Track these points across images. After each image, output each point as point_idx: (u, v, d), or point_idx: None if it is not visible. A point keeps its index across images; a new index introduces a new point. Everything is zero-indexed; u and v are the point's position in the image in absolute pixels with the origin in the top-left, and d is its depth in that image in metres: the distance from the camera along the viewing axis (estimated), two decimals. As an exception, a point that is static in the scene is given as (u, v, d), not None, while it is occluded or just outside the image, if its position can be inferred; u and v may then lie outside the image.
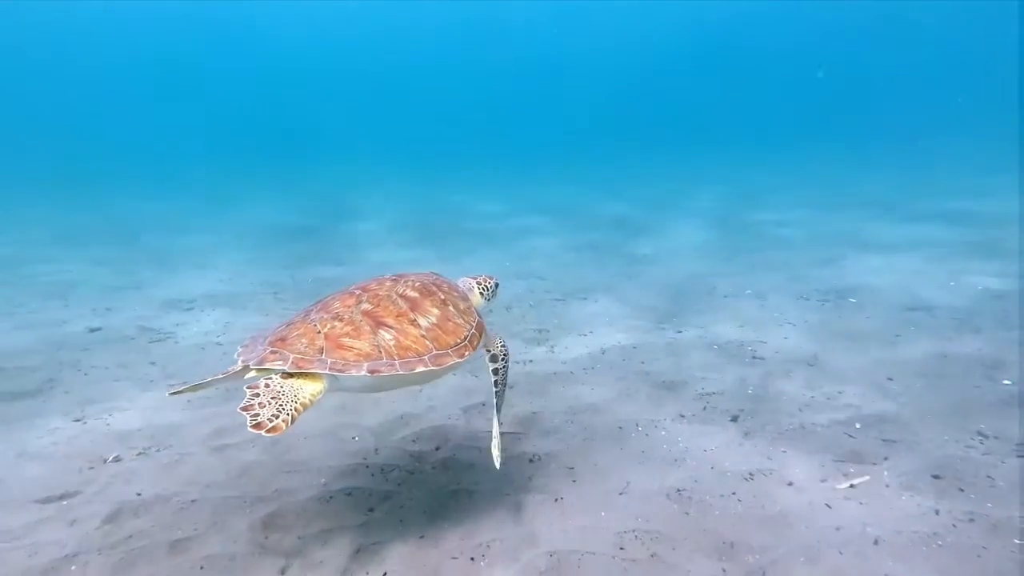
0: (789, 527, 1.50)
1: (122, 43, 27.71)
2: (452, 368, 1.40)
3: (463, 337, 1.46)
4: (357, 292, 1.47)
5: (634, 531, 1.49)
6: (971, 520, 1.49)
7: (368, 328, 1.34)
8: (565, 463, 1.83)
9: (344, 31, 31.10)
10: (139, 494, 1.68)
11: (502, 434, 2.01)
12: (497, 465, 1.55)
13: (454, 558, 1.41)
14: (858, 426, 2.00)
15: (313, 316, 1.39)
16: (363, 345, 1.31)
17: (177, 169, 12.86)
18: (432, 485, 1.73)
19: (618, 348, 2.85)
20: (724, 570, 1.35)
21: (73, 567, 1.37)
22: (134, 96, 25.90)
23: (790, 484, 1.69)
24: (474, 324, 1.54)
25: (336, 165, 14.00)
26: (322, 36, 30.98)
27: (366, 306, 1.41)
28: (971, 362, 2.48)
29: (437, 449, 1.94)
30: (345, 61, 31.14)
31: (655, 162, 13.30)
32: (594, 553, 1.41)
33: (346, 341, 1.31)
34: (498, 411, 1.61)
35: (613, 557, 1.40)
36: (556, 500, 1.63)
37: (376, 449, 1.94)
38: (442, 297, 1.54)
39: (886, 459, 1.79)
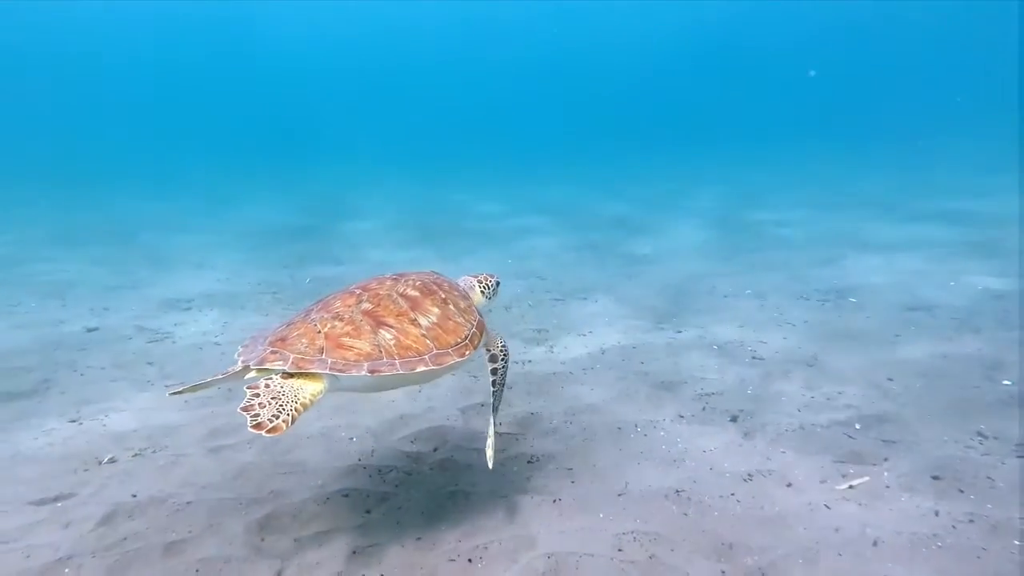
0: (788, 528, 1.50)
1: (121, 42, 27.72)
2: (453, 367, 1.40)
3: (464, 336, 1.45)
4: (357, 291, 1.47)
5: (632, 532, 1.49)
6: (971, 521, 1.49)
7: (368, 328, 1.34)
8: (564, 464, 1.82)
9: (344, 30, 31.10)
10: (134, 496, 1.67)
11: (500, 435, 2.01)
12: (490, 465, 1.54)
13: (451, 560, 1.40)
14: (858, 427, 1.99)
15: (313, 316, 1.39)
16: (363, 345, 1.30)
17: (176, 168, 12.85)
18: (430, 486, 1.72)
19: (617, 348, 2.85)
20: (723, 571, 1.35)
21: (67, 570, 1.37)
22: (133, 95, 25.89)
23: (789, 485, 1.68)
24: (475, 323, 1.53)
25: (335, 165, 13.99)
26: (322, 35, 30.98)
27: (366, 305, 1.41)
28: (971, 362, 2.47)
29: (435, 450, 1.93)
30: (345, 60, 31.15)
31: (655, 162, 13.29)
32: (592, 555, 1.41)
33: (346, 341, 1.30)
34: (495, 411, 1.61)
35: (611, 559, 1.39)
36: (554, 501, 1.63)
37: (373, 450, 1.93)
38: (443, 296, 1.53)
39: (886, 460, 1.79)
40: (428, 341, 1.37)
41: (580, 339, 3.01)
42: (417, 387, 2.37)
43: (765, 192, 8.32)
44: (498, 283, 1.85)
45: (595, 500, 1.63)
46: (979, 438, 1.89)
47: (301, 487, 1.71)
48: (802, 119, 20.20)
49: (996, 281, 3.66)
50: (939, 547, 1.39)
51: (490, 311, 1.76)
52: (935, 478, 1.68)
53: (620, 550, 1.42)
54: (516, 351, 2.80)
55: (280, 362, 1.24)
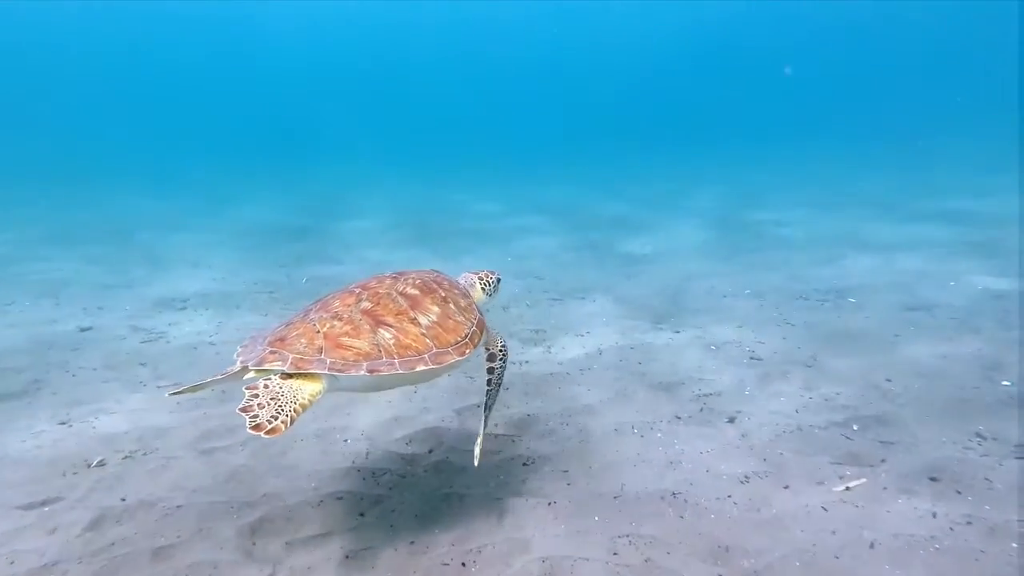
0: (785, 530, 1.48)
1: (120, 41, 27.62)
2: (453, 366, 1.38)
3: (464, 335, 1.44)
4: (357, 291, 1.46)
5: (628, 536, 1.47)
6: (969, 523, 1.48)
7: (368, 327, 1.33)
8: (559, 466, 1.81)
9: (344, 30, 31.03)
10: (123, 500, 1.65)
11: (496, 436, 1.99)
12: (476, 463, 1.54)
13: (445, 564, 1.38)
14: (856, 428, 1.98)
15: (312, 315, 1.38)
16: (363, 344, 1.29)
17: (174, 168, 12.81)
18: (424, 489, 1.70)
19: (615, 348, 2.83)
20: (719, 575, 1.33)
21: None
22: (132, 94, 25.81)
23: (786, 487, 1.67)
24: (475, 322, 1.52)
25: (334, 164, 13.96)
26: (321, 35, 30.91)
27: (366, 305, 1.40)
28: (970, 363, 2.46)
29: (430, 452, 1.91)
30: (344, 60, 31.08)
31: (654, 162, 13.28)
32: (587, 559, 1.39)
33: (345, 340, 1.29)
34: (488, 410, 1.59)
35: (606, 562, 1.38)
36: (549, 504, 1.61)
37: (368, 452, 1.91)
38: (443, 295, 1.52)
39: (883, 461, 1.77)
40: (428, 340, 1.36)
41: (578, 339, 2.99)
42: (413, 387, 2.35)
43: (765, 192, 8.30)
44: (499, 280, 1.84)
45: (591, 503, 1.61)
46: (977, 439, 1.87)
47: (294, 490, 1.70)
48: (802, 119, 20.18)
49: (996, 281, 3.65)
50: (936, 549, 1.38)
51: (488, 311, 1.74)
52: (933, 480, 1.67)
53: (615, 554, 1.41)
54: (514, 351, 2.78)
55: (279, 362, 1.23)
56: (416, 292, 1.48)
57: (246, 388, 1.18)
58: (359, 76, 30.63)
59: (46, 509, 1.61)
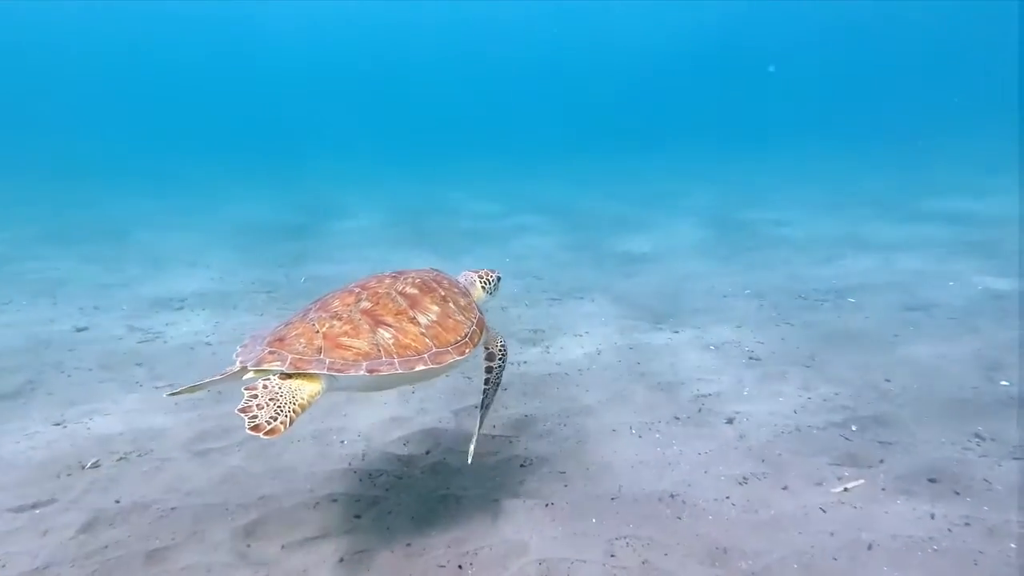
0: (783, 532, 1.48)
1: (120, 41, 27.52)
2: (453, 366, 1.38)
3: (464, 334, 1.44)
4: (356, 290, 1.45)
5: (626, 537, 1.46)
6: (967, 524, 1.47)
7: (367, 327, 1.33)
8: (557, 467, 1.80)
9: (343, 30, 30.94)
10: (117, 502, 1.64)
11: (494, 437, 1.98)
12: (469, 460, 1.55)
13: (441, 566, 1.38)
14: (854, 428, 1.97)
15: (312, 315, 1.37)
16: (362, 344, 1.29)
17: (172, 167, 12.77)
18: (420, 490, 1.69)
19: (614, 349, 2.82)
20: (717, 578, 1.33)
21: (45, 578, 1.34)
22: (131, 94, 25.73)
23: (785, 488, 1.66)
24: (475, 321, 1.52)
25: (332, 163, 13.93)
26: (321, 34, 30.81)
27: (365, 304, 1.39)
28: (969, 363, 2.46)
29: (427, 453, 1.90)
30: (344, 59, 30.99)
31: (654, 161, 13.26)
32: (584, 561, 1.38)
33: (345, 340, 1.29)
34: (486, 410, 1.59)
35: (603, 564, 1.37)
36: (547, 505, 1.60)
37: (364, 453, 1.90)
38: (442, 294, 1.52)
39: (882, 462, 1.77)
40: (427, 340, 1.36)
41: (576, 339, 2.98)
42: (411, 388, 2.34)
43: (764, 191, 8.30)
44: (499, 278, 1.83)
45: (588, 504, 1.60)
46: (976, 440, 1.87)
47: (290, 492, 1.68)
48: (802, 119, 20.17)
49: (995, 281, 3.64)
50: (935, 551, 1.38)
51: (487, 311, 1.73)
52: (931, 480, 1.66)
53: (613, 555, 1.40)
54: (512, 352, 2.75)
55: (278, 363, 1.22)
56: (415, 291, 1.47)
57: (245, 389, 1.17)
58: (358, 76, 30.57)
59: (38, 511, 1.60)
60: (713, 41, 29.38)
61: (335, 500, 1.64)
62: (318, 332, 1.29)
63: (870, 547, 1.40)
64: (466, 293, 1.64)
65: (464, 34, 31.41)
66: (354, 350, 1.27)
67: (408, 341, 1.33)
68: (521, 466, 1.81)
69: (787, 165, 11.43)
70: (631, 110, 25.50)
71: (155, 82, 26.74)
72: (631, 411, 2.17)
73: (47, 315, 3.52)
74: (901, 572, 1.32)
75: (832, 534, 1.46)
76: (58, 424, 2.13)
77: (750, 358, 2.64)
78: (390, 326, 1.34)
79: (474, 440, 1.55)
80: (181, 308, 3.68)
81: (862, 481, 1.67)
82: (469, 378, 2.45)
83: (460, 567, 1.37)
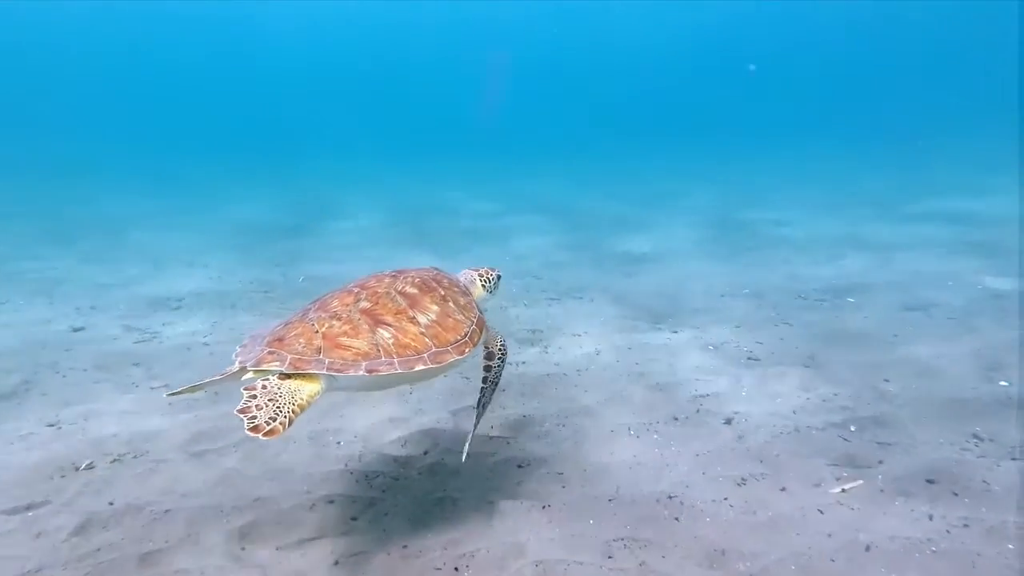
0: (781, 533, 1.47)
1: (119, 41, 27.48)
2: (452, 366, 1.38)
3: (463, 334, 1.44)
4: (356, 290, 1.45)
5: (623, 539, 1.46)
6: (965, 525, 1.46)
7: (366, 327, 1.32)
8: (554, 468, 1.79)
9: (344, 29, 30.91)
10: (111, 504, 1.63)
11: (492, 437, 1.97)
12: (463, 459, 1.55)
13: (437, 569, 1.37)
14: (853, 429, 1.97)
15: (311, 315, 1.37)
16: (361, 344, 1.28)
17: (171, 166, 12.76)
18: (417, 492, 1.68)
19: (613, 349, 2.82)
20: (714, 580, 1.32)
21: (37, 581, 1.33)
22: (130, 93, 25.70)
23: (783, 489, 1.65)
24: (475, 320, 1.51)
25: (332, 163, 13.93)
26: (320, 34, 30.79)
27: (364, 304, 1.39)
28: (968, 363, 2.45)
29: (425, 454, 1.89)
30: (344, 59, 30.96)
31: (654, 161, 13.26)
32: (581, 563, 1.38)
33: (344, 340, 1.28)
34: (483, 409, 1.58)
35: (600, 567, 1.36)
36: (544, 507, 1.59)
37: (361, 454, 1.89)
38: (442, 293, 1.52)
39: (880, 463, 1.76)
40: (427, 339, 1.36)
41: (575, 339, 2.97)
42: (409, 388, 2.33)
43: (764, 191, 8.29)
44: (499, 277, 1.83)
45: (585, 506, 1.60)
46: (975, 440, 1.86)
47: (286, 493, 1.68)
48: (802, 119, 20.17)
49: (995, 281, 3.63)
50: (933, 552, 1.37)
51: (486, 310, 1.72)
52: (930, 481, 1.65)
53: (610, 557, 1.39)
54: (511, 352, 2.72)
55: (277, 363, 1.22)
56: (415, 291, 1.47)
57: (244, 389, 1.17)
58: (358, 76, 30.54)
59: (30, 514, 1.59)
60: (713, 41, 29.39)
61: (331, 502, 1.63)
62: (317, 332, 1.29)
63: (868, 548, 1.39)
64: (466, 292, 1.64)
65: (464, 34, 31.41)
66: (353, 350, 1.27)
67: (408, 341, 1.33)
68: (519, 467, 1.80)
69: (787, 165, 11.42)
70: (631, 110, 25.50)
71: (155, 82, 26.73)
72: (629, 412, 2.16)
73: (43, 315, 3.51)
74: (899, 574, 1.31)
75: (830, 535, 1.45)
76: (52, 425, 2.12)
77: (749, 358, 2.63)
78: (390, 326, 1.34)
79: (469, 439, 1.55)
80: (179, 308, 3.67)
81: (860, 482, 1.67)
82: (467, 378, 2.44)
83: (456, 569, 1.36)
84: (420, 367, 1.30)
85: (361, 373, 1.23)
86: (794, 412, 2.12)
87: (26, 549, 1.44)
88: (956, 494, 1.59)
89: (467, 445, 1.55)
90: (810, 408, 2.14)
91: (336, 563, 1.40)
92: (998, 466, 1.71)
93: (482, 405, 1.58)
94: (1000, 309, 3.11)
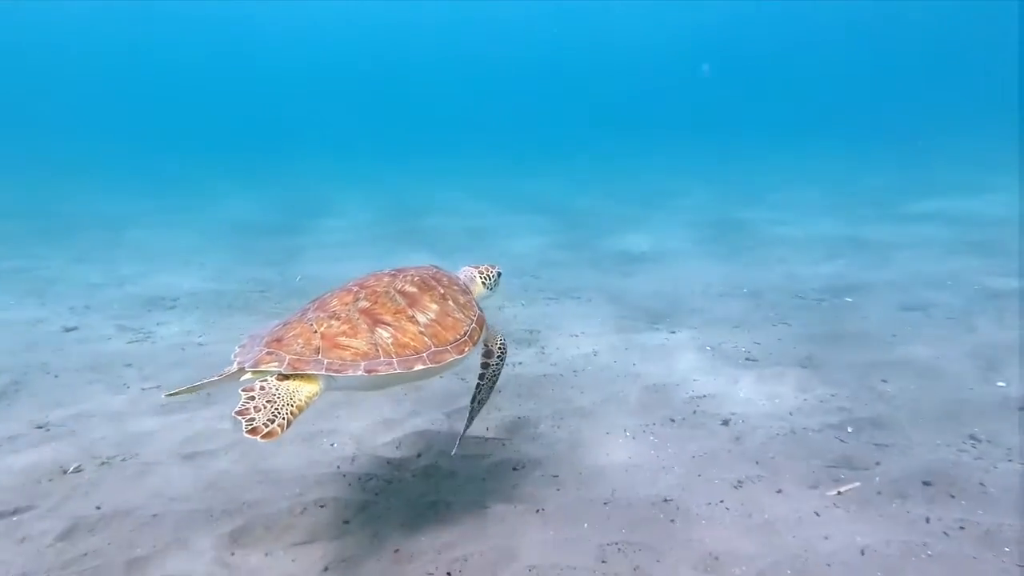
0: (777, 536, 1.45)
1: (119, 41, 27.41)
2: (452, 365, 1.37)
3: (463, 333, 1.42)
4: (355, 289, 1.44)
5: (617, 543, 1.44)
6: (962, 528, 1.45)
7: (365, 326, 1.31)
8: (549, 471, 1.77)
9: (344, 29, 30.86)
10: (98, 508, 1.60)
11: (487, 439, 1.96)
12: (452, 453, 1.55)
13: (430, 573, 1.35)
14: (850, 430, 1.95)
15: (310, 315, 1.36)
16: (360, 344, 1.27)
17: (170, 165, 12.73)
18: (410, 495, 1.66)
19: (610, 349, 2.80)
20: (709, 585, 1.30)
21: (22, 586, 1.31)
22: (129, 93, 25.63)
23: (779, 491, 1.64)
24: (474, 319, 1.50)
25: (331, 162, 13.91)
26: (320, 34, 30.73)
27: (363, 303, 1.38)
28: (967, 363, 2.44)
29: (419, 456, 1.87)
30: (343, 59, 30.91)
31: (653, 161, 13.25)
32: (575, 567, 1.36)
33: (343, 340, 1.27)
34: (479, 406, 1.56)
35: (594, 571, 1.35)
36: (538, 511, 1.58)
37: (354, 456, 1.87)
38: (441, 292, 1.50)
39: (877, 464, 1.75)
40: (426, 338, 1.34)
41: (572, 340, 2.96)
42: (403, 390, 2.31)
43: (763, 191, 8.27)
44: (499, 274, 1.81)
45: (580, 509, 1.58)
46: (972, 442, 1.85)
47: (277, 496, 1.66)
48: (802, 118, 20.17)
49: (994, 280, 3.62)
50: (929, 555, 1.36)
51: (485, 309, 1.70)
52: (926, 484, 1.64)
53: (604, 561, 1.38)
54: (508, 352, 2.74)
55: (275, 363, 1.21)
56: (414, 290, 1.46)
57: (242, 391, 1.15)
58: (357, 75, 30.49)
59: (15, 518, 1.56)
60: (713, 41, 29.36)
61: (323, 505, 1.61)
62: (316, 332, 1.28)
63: (863, 552, 1.38)
64: (466, 290, 1.62)
65: (464, 34, 31.36)
66: (352, 350, 1.25)
67: (407, 340, 1.31)
68: (514, 469, 1.78)
69: (786, 165, 11.41)
70: (630, 110, 25.48)
71: (153, 82, 26.66)
72: (626, 413, 2.15)
73: (36, 315, 3.48)
74: (896, 578, 1.30)
75: (826, 538, 1.44)
76: (41, 427, 2.09)
77: (747, 359, 2.62)
78: (389, 325, 1.33)
79: (461, 436, 1.54)
80: (173, 307, 3.64)
81: (857, 484, 1.65)
82: (463, 379, 2.42)
83: (449, 574, 1.35)
84: (419, 367, 1.28)
85: (360, 373, 1.22)
86: (791, 413, 2.10)
87: (10, 554, 1.42)
88: (953, 496, 1.58)
89: (459, 441, 1.53)
90: (807, 409, 2.13)
91: (327, 568, 1.38)
92: (995, 468, 1.69)
93: (477, 402, 1.56)
94: (999, 309, 3.10)
